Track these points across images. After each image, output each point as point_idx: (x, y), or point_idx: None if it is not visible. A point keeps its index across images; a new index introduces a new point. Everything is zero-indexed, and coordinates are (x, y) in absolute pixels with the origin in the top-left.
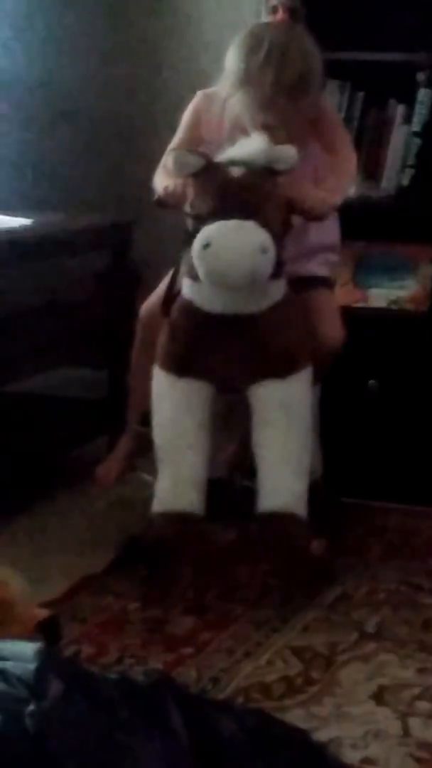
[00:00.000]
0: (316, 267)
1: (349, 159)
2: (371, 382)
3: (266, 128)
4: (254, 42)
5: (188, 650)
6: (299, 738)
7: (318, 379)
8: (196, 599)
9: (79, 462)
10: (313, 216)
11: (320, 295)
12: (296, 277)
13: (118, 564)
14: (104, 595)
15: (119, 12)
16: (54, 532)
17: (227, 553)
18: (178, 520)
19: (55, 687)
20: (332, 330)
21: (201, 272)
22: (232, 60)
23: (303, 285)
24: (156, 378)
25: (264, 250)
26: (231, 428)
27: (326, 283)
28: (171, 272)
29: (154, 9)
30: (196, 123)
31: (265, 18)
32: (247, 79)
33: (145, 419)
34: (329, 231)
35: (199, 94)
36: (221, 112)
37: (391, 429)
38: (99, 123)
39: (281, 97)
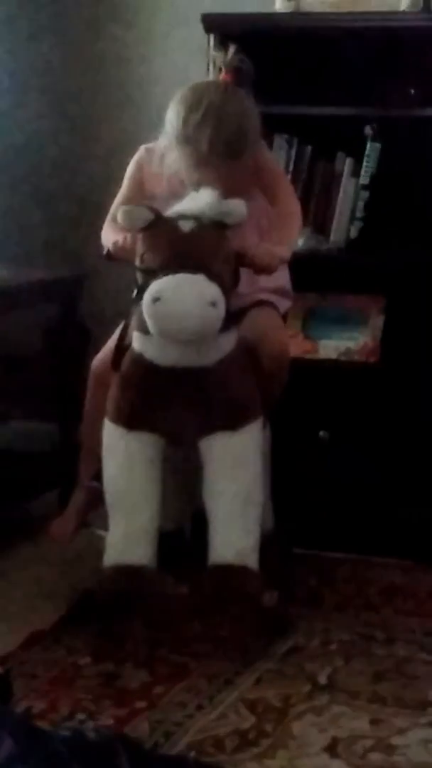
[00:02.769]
0: (265, 296)
1: (294, 211)
2: (322, 433)
3: (203, 185)
4: (193, 101)
5: (141, 704)
6: None
7: (267, 411)
8: (148, 653)
9: (30, 516)
10: (263, 269)
11: (266, 312)
12: (245, 305)
13: (70, 618)
14: (56, 650)
15: (69, 76)
16: (4, 587)
17: (179, 605)
18: (130, 572)
19: (7, 746)
20: (277, 338)
21: (151, 326)
22: (171, 117)
23: (250, 307)
24: (106, 431)
25: (214, 304)
26: (181, 480)
27: (273, 306)
28: (121, 326)
29: (106, 69)
30: (139, 177)
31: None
32: (185, 138)
33: (99, 474)
34: (278, 276)
35: (142, 148)
36: (162, 165)
37: (342, 479)
38: (48, 177)
39: (216, 157)
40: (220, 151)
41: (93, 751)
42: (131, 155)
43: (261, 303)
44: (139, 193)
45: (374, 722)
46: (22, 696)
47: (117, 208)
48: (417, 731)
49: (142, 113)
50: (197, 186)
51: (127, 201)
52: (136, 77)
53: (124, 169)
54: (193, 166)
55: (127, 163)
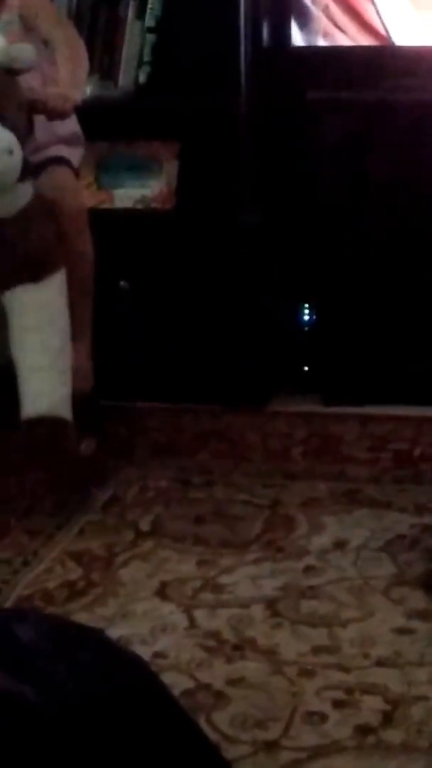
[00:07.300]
0: (56, 151)
1: (76, 46)
2: (122, 283)
3: None
4: None
5: None
6: (95, 637)
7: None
8: None
9: None
10: (56, 115)
11: (62, 173)
12: (38, 161)
13: None
14: None
15: None
16: None
17: None
18: None
19: None
20: (73, 200)
21: None
22: None
23: (44, 165)
24: None
25: (10, 152)
26: None
27: (68, 163)
28: None
29: None
30: None
31: None
32: None
33: None
34: (68, 122)
35: None
36: None
37: (144, 329)
38: None
39: None
40: None
41: None
42: None
43: (55, 161)
44: None
45: (200, 564)
46: None
47: None
48: (243, 569)
49: None
50: None
51: None
52: None
53: None
54: None
55: None
